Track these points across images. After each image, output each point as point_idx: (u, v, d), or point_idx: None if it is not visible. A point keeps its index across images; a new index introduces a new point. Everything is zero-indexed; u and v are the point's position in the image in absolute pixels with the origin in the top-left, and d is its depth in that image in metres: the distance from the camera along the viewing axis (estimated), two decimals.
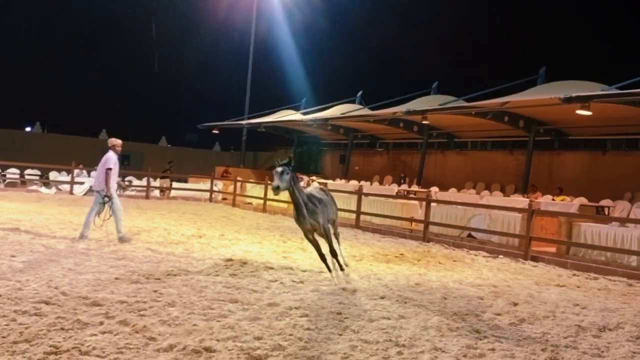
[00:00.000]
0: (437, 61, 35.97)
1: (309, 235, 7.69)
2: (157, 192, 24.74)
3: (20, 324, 4.71)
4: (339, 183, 22.79)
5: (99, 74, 42.96)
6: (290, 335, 4.92)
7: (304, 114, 27.49)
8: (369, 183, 22.84)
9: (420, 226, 14.51)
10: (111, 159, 10.30)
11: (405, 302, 6.59)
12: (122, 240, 9.90)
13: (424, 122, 20.51)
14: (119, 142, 10.59)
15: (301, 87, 36.04)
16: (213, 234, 12.12)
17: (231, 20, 34.73)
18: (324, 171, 29.99)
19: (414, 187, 21.11)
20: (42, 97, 41.34)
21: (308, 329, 5.15)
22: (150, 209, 17.07)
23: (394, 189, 20.12)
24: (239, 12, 33.69)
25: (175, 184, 25.65)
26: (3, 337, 4.32)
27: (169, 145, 40.43)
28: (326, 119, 24.48)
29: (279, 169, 6.96)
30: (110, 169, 10.17)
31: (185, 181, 27.33)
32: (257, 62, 33.25)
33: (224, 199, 24.38)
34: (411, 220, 15.61)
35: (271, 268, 8.38)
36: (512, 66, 30.62)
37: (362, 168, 27.63)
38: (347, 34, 38.26)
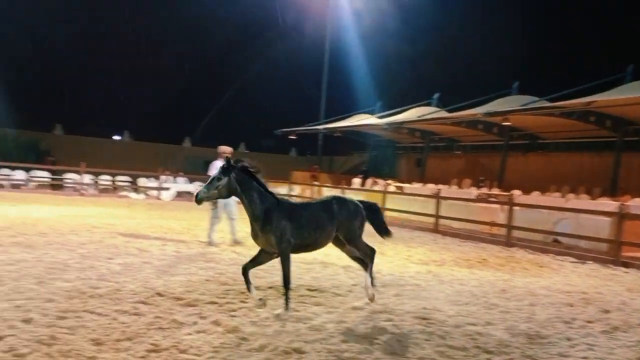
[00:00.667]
0: (517, 61, 34.76)
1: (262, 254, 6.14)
2: None
3: (121, 322, 5.02)
4: (416, 187, 22.57)
5: (180, 83, 44.86)
6: (376, 339, 4.96)
7: (379, 117, 27.45)
8: (446, 186, 22.45)
9: (502, 230, 14.11)
10: (214, 165, 10.47)
11: (491, 309, 6.46)
12: (210, 244, 10.31)
13: (504, 123, 19.97)
14: (225, 149, 10.53)
15: (376, 91, 35.96)
16: None
17: (305, 26, 35.24)
18: (399, 175, 29.78)
19: (494, 191, 20.55)
20: (129, 107, 43.65)
21: (393, 333, 5.17)
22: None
23: (473, 192, 19.69)
24: (312, 18, 34.13)
25: None
26: (107, 335, 4.63)
27: (247, 151, 41.53)
28: (402, 123, 24.34)
29: (216, 174, 5.71)
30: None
31: None
32: (332, 67, 33.54)
33: None
34: (492, 224, 15.21)
35: (352, 272, 8.44)
36: (597, 64, 29.08)
37: (439, 171, 27.19)
38: (422, 35, 37.76)
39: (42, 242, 9.21)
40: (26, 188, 22.87)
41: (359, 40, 36.21)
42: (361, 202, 6.33)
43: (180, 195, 24.28)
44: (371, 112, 29.48)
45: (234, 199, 9.93)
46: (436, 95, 26.22)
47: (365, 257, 6.24)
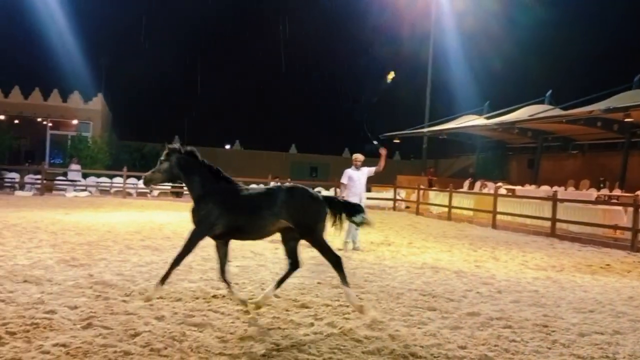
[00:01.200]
0: (637, 53, 32.22)
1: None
2: None
3: (243, 322, 5.27)
4: (529, 189, 21.55)
5: (284, 94, 46.31)
6: (495, 346, 4.82)
7: (487, 118, 26.56)
8: (562, 188, 21.22)
9: (627, 234, 13.12)
10: (345, 173, 10.85)
11: (619, 317, 6.04)
12: (355, 248, 10.53)
13: (626, 119, 18.55)
14: (357, 156, 10.92)
15: (483, 91, 34.82)
16: (401, 242, 12.30)
17: (408, 30, 34.92)
18: (510, 177, 28.58)
19: (616, 192, 19.13)
20: (239, 117, 45.73)
21: (513, 340, 4.99)
22: None
23: (593, 194, 18.47)
24: (415, 20, 33.74)
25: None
26: (231, 333, 4.88)
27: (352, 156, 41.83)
28: (513, 122, 23.37)
29: (161, 158, 5.92)
30: (342, 183, 10.85)
31: (369, 190, 28.04)
32: (435, 68, 32.96)
33: (407, 207, 24.53)
34: (615, 227, 14.19)
35: (464, 277, 8.26)
36: None
37: (553, 172, 25.75)
38: (530, 31, 36.03)
39: (168, 245, 9.89)
40: (150, 196, 24.64)
41: (464, 40, 35.31)
42: (327, 197, 6.09)
43: None
44: (479, 113, 28.60)
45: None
46: (548, 93, 24.91)
47: (326, 259, 5.90)
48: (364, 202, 10.17)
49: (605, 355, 4.68)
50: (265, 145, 41.75)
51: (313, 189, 21.25)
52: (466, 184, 25.37)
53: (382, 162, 10.67)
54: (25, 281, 6.35)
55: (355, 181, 10.72)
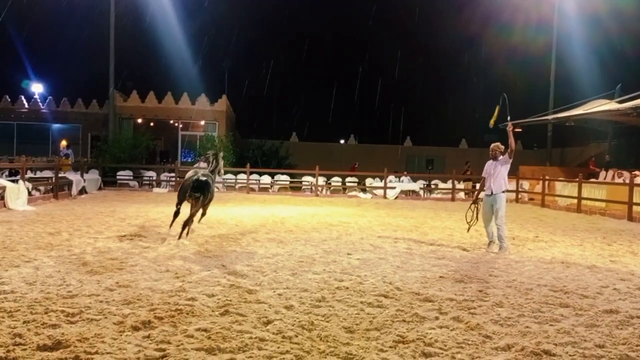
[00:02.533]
0: None
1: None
2: (462, 194, 25.13)
3: (368, 313, 5.36)
4: None
5: (395, 85, 45.90)
6: (637, 346, 4.50)
7: (620, 102, 24.46)
8: None
9: None
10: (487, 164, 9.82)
11: None
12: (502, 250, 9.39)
13: None
14: (493, 146, 9.76)
15: (612, 75, 32.11)
16: (526, 236, 11.78)
17: (529, 14, 33.08)
18: None
19: None
20: (353, 111, 46.13)
21: None
22: (457, 211, 17.45)
23: None
24: (536, 3, 31.87)
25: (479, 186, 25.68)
26: (357, 324, 4.99)
27: (468, 147, 40.59)
28: None
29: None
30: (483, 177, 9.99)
31: None
32: (560, 52, 30.94)
33: (531, 199, 23.37)
34: None
35: (599, 272, 7.75)
36: None
37: None
38: None
39: (291, 238, 10.29)
40: (271, 191, 25.68)
41: (589, 21, 32.72)
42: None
43: (404, 193, 24.84)
44: (609, 97, 26.42)
45: (501, 199, 9.41)
46: None
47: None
48: (497, 190, 9.42)
49: None
50: (380, 139, 41.77)
51: (429, 181, 21.16)
52: (602, 174, 23.56)
53: (511, 140, 9.49)
54: (167, 270, 6.95)
55: (487, 171, 9.71)
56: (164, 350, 4.13)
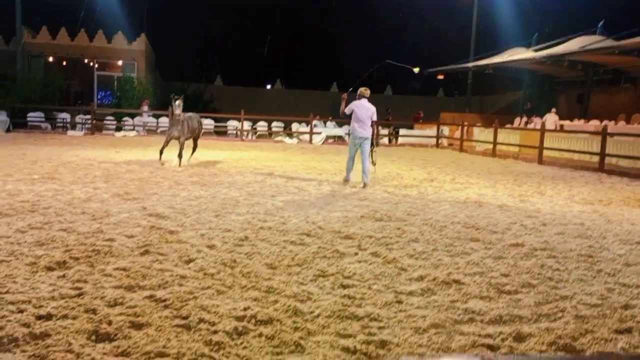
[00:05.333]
0: None
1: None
2: (385, 140, 25.65)
3: (290, 251, 5.46)
4: (577, 124, 20.89)
5: (326, 30, 45.38)
6: (539, 274, 4.87)
7: (536, 51, 25.50)
8: (612, 123, 20.45)
9: None
10: (354, 104, 10.70)
11: None
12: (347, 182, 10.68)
13: None
14: (363, 90, 10.85)
15: (531, 23, 33.21)
16: (444, 178, 12.27)
17: None
18: (559, 112, 27.65)
19: None
20: (279, 57, 45.34)
21: (557, 269, 5.03)
22: (380, 156, 17.82)
23: None
24: None
25: (402, 131, 26.33)
26: (279, 261, 5.08)
27: (393, 94, 41.19)
28: (562, 55, 22.40)
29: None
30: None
31: (411, 128, 27.77)
32: (482, 0, 31.54)
33: (450, 144, 24.25)
34: None
35: (508, 211, 8.25)
36: None
37: (603, 107, 24.73)
38: None
39: (214, 181, 10.18)
40: None
41: None
42: None
43: (330, 139, 25.04)
44: (527, 46, 27.46)
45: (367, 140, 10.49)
46: (601, 23, 23.62)
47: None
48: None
49: None
50: (306, 85, 41.46)
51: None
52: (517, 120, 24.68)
53: (342, 106, 10.82)
54: (83, 213, 6.71)
55: (360, 114, 10.50)
56: (80, 289, 4.04)
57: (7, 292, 3.89)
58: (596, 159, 14.99)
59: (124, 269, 4.52)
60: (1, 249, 4.96)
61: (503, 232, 6.67)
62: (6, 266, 4.48)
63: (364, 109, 10.51)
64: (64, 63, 30.92)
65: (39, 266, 4.52)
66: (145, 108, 25.92)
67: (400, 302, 4.09)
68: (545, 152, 17.11)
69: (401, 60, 12.82)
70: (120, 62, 30.82)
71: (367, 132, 10.51)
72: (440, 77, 32.40)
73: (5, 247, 5.02)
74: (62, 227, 5.92)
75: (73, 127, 24.51)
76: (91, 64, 30.81)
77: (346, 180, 10.72)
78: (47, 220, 6.17)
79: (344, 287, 4.39)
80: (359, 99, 10.65)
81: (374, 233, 6.34)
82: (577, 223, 7.35)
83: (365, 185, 10.27)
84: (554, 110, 23.22)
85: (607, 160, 14.74)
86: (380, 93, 40.89)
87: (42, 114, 24.58)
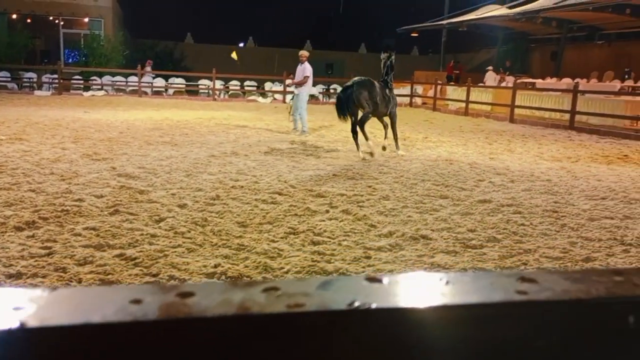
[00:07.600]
0: None
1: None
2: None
3: (261, 209, 5.49)
4: (550, 82, 21.09)
5: None
6: (504, 229, 5.00)
7: (510, 7, 25.46)
8: (584, 80, 20.71)
9: None
10: (297, 69, 12.82)
11: (631, 203, 6.16)
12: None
13: None
14: (303, 53, 13.03)
15: None
16: (416, 137, 12.36)
17: None
18: (532, 70, 27.84)
19: None
20: (252, 13, 44.33)
21: (522, 224, 5.17)
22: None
23: (617, 85, 18.04)
24: None
25: None
26: (250, 219, 5.11)
27: (367, 52, 40.84)
28: (537, 11, 22.40)
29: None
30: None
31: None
32: None
33: (424, 103, 24.29)
34: (637, 118, 14.01)
35: (478, 168, 8.37)
36: None
37: (577, 64, 24.94)
38: None
39: (186, 141, 10.08)
40: (166, 95, 24.66)
41: None
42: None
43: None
44: (501, 2, 27.37)
45: (304, 94, 12.60)
46: None
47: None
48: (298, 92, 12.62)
49: (614, 238, 4.85)
50: (280, 43, 40.77)
51: (329, 86, 21.80)
52: (491, 76, 24.72)
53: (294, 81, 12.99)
54: (51, 173, 6.62)
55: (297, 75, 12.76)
56: (49, 248, 4.03)
57: None
58: (567, 116, 15.22)
59: (94, 229, 4.51)
60: None
61: (472, 189, 6.80)
62: None
63: (298, 71, 12.76)
64: (29, 21, 29.77)
65: (7, 226, 4.48)
66: (149, 68, 25.34)
67: (368, 257, 4.17)
68: (517, 111, 17.29)
69: (378, 18, 13.07)
70: (87, 20, 29.81)
71: (297, 89, 12.76)
72: (415, 35, 32.16)
73: None
74: (31, 187, 5.84)
75: (40, 87, 23.84)
76: (57, 21, 29.75)
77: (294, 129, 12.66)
78: (15, 181, 6.08)
79: (314, 243, 4.45)
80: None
81: (346, 191, 6.40)
82: (545, 179, 7.52)
83: (299, 133, 12.26)
84: (490, 67, 23.91)
85: (578, 117, 14.98)
86: (354, 51, 40.58)
87: (7, 74, 23.82)
